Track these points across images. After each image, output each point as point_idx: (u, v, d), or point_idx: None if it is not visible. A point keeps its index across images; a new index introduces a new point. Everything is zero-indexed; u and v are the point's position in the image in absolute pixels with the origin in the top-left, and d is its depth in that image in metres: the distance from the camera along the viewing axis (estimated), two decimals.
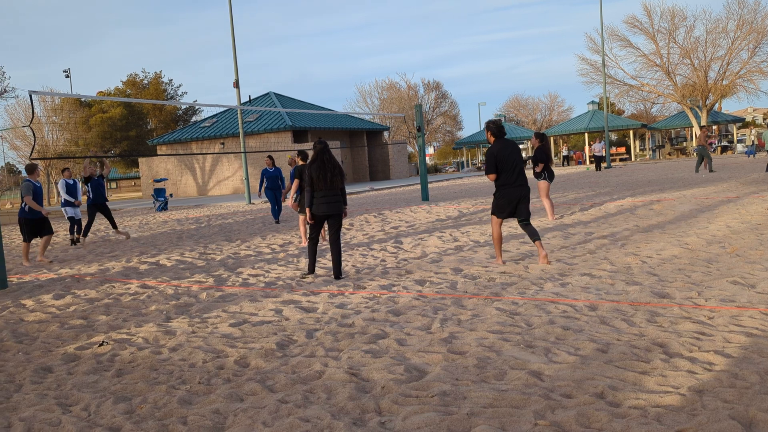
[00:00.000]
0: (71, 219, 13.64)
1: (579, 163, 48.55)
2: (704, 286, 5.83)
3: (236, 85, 26.60)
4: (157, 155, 20.09)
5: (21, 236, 11.05)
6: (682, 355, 4.05)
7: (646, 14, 47.49)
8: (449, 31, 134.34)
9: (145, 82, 55.76)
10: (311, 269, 7.72)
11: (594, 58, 49.60)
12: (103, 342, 5.34)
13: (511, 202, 7.42)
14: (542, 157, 11.70)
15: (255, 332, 5.34)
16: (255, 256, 9.80)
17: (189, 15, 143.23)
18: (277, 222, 15.07)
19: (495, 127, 7.53)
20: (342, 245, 10.30)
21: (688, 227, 9.58)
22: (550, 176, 11.79)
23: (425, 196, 19.76)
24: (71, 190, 13.62)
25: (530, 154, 11.90)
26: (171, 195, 31.28)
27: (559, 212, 12.93)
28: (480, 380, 3.85)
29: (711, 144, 49.97)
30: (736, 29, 45.55)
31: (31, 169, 10.84)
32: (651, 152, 54.76)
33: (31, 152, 10.65)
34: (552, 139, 55.38)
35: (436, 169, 58.64)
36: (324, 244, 10.28)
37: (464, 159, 62.82)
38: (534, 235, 7.54)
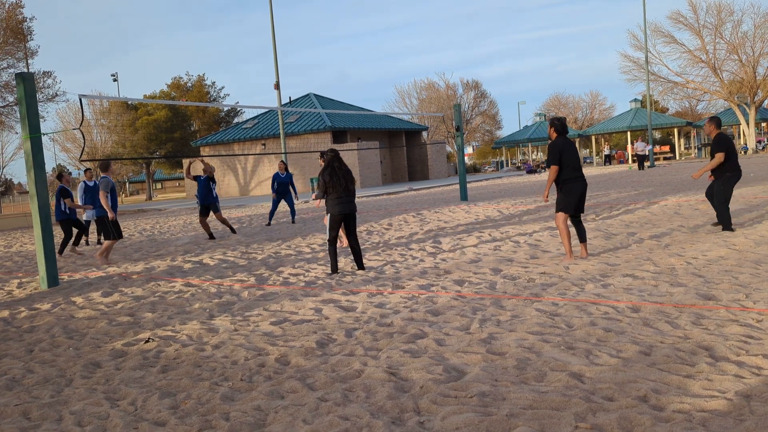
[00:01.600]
0: (87, 222, 13.38)
1: (621, 162, 47.65)
2: (752, 288, 5.67)
3: (277, 86, 26.93)
4: (200, 156, 20.47)
5: (103, 235, 10.86)
6: (728, 359, 3.95)
7: (692, 9, 46.34)
8: (489, 30, 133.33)
9: (189, 84, 56.91)
10: (335, 269, 8.06)
11: (637, 55, 48.60)
12: (149, 339, 5.48)
13: (578, 195, 7.66)
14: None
15: (295, 331, 5.41)
16: (295, 256, 9.92)
17: (231, 18, 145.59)
18: (268, 224, 15.53)
19: (560, 124, 7.81)
20: (381, 244, 10.38)
21: (735, 227, 9.31)
22: None
23: (464, 196, 19.67)
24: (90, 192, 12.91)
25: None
26: None
27: (601, 212, 12.72)
28: (519, 381, 3.83)
29: (760, 141, 48.47)
30: None
31: (105, 166, 10.56)
32: (696, 151, 53.38)
33: (81, 154, 10.97)
34: (593, 138, 54.47)
35: (475, 169, 58.27)
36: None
37: (503, 158, 62.27)
38: (583, 236, 7.87)
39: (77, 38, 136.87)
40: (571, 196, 7.62)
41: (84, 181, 13.20)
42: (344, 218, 8.03)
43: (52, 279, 8.63)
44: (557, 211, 7.74)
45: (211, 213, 13.38)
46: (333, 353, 4.71)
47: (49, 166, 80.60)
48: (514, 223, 12.20)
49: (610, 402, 3.43)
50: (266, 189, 38.57)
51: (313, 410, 3.61)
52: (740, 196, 13.71)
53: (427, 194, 25.20)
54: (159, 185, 79.56)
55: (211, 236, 13.07)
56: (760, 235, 8.41)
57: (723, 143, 9.08)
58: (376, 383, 3.94)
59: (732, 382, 3.57)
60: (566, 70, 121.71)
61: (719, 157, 8.98)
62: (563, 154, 7.60)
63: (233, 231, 13.48)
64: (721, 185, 9.05)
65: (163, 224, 19.38)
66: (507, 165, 58.16)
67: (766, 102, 50.02)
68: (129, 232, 16.95)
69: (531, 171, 43.27)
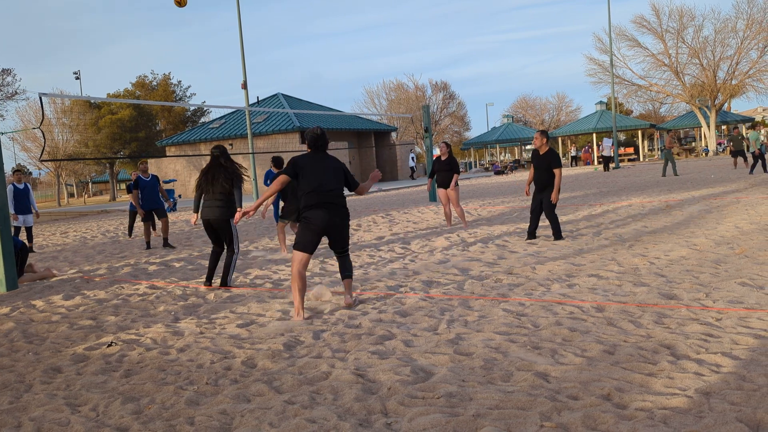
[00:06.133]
0: (17, 228, 12.48)
1: (587, 163, 48.41)
2: (712, 288, 5.80)
3: (244, 86, 26.68)
4: (166, 156, 20.22)
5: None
6: (689, 357, 4.04)
7: (654, 14, 47.34)
8: (459, 32, 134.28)
9: (154, 83, 56.01)
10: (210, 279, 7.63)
11: (602, 59, 49.44)
12: (111, 342, 5.38)
13: (321, 228, 5.85)
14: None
15: (262, 333, 5.36)
16: (263, 257, 9.83)
17: (199, 17, 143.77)
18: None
19: (313, 139, 5.88)
20: (350, 246, 10.33)
21: (696, 228, 9.53)
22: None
23: (433, 197, 19.75)
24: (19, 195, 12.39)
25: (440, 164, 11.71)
26: (180, 196, 31.41)
27: (567, 213, 12.89)
28: (486, 381, 3.86)
29: (720, 144, 49.69)
30: (746, 28, 45.29)
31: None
32: (660, 152, 54.50)
33: (41, 154, 10.72)
34: (560, 140, 55.24)
35: None
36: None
37: (472, 160, 62.70)
38: (347, 270, 6.09)
39: (38, 35, 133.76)
40: (311, 229, 5.71)
41: (13, 183, 12.43)
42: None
43: (11, 282, 8.41)
44: (295, 248, 5.79)
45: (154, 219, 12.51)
46: (300, 355, 4.68)
47: (8, 165, 78.58)
48: (482, 224, 12.29)
49: (574, 401, 3.47)
50: None
51: (280, 413, 3.58)
52: (701, 197, 14.04)
53: (396, 195, 25.24)
54: (123, 185, 78.14)
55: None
56: (720, 236, 8.62)
57: (559, 159, 9.19)
58: (344, 385, 3.93)
59: (692, 379, 3.65)
60: (533, 72, 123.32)
61: (559, 173, 9.14)
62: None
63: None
64: (550, 197, 9.14)
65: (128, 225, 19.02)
66: (475, 166, 58.60)
67: (726, 105, 51.31)
68: (92, 233, 16.62)
69: (499, 172, 43.65)
